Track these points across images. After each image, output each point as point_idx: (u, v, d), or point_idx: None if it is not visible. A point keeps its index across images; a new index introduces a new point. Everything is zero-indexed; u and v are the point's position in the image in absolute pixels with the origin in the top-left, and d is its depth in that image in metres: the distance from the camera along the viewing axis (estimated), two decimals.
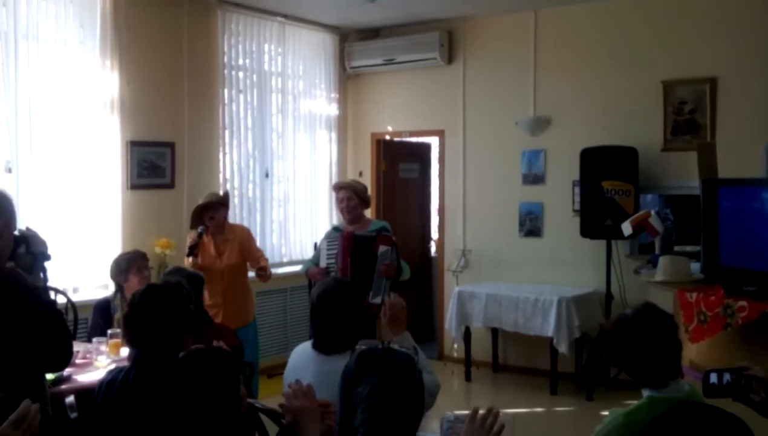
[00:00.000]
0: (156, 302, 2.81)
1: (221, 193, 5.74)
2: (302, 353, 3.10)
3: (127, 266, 4.62)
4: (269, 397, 5.21)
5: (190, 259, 5.15)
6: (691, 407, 1.97)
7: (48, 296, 2.79)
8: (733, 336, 4.34)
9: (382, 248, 4.99)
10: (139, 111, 6.12)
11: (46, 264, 2.75)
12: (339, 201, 5.28)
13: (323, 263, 5.14)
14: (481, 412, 2.02)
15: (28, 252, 2.66)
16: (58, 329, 2.49)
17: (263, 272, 5.33)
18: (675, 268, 5.14)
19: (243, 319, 5.35)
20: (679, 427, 1.98)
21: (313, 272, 5.20)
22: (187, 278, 3.87)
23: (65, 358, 2.59)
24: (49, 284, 2.88)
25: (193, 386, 2.07)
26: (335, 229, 5.38)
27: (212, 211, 5.22)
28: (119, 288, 4.64)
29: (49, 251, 2.77)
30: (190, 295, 2.96)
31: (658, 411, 2.28)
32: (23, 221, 3.87)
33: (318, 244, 5.67)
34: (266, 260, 5.50)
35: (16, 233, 2.66)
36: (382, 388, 1.86)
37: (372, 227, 5.26)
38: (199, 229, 5.19)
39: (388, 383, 1.89)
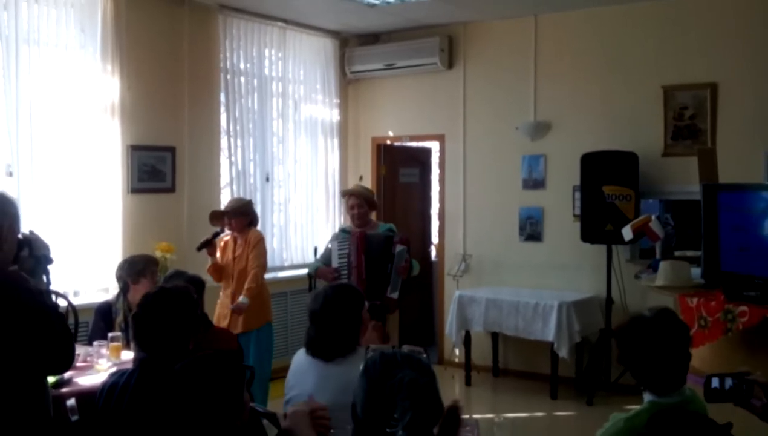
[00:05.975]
0: (168, 306, 2.80)
1: (245, 200, 5.76)
2: (303, 357, 3.10)
3: (143, 267, 4.59)
4: (271, 400, 5.22)
5: (209, 258, 5.44)
6: (675, 414, 1.99)
7: (51, 299, 2.78)
8: (734, 341, 4.34)
9: (398, 248, 5.21)
10: (139, 115, 6.12)
11: (49, 267, 2.75)
12: (350, 208, 5.45)
13: (335, 264, 5.28)
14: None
15: (31, 255, 2.66)
16: (60, 332, 2.49)
17: (236, 309, 5.32)
18: (675, 273, 5.14)
19: (248, 323, 5.37)
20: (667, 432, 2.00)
21: (323, 271, 5.32)
22: (188, 282, 3.86)
23: (67, 361, 2.59)
24: (52, 287, 2.87)
25: (198, 392, 2.09)
26: (343, 231, 5.50)
27: (229, 218, 5.44)
28: (123, 291, 4.62)
29: (52, 255, 2.76)
30: (199, 300, 2.96)
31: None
32: (24, 225, 3.87)
33: (318, 248, 5.72)
34: (253, 282, 5.35)
35: (20, 236, 2.66)
36: (420, 380, 1.94)
37: (380, 228, 5.44)
38: (216, 229, 5.45)
39: (423, 376, 1.97)
